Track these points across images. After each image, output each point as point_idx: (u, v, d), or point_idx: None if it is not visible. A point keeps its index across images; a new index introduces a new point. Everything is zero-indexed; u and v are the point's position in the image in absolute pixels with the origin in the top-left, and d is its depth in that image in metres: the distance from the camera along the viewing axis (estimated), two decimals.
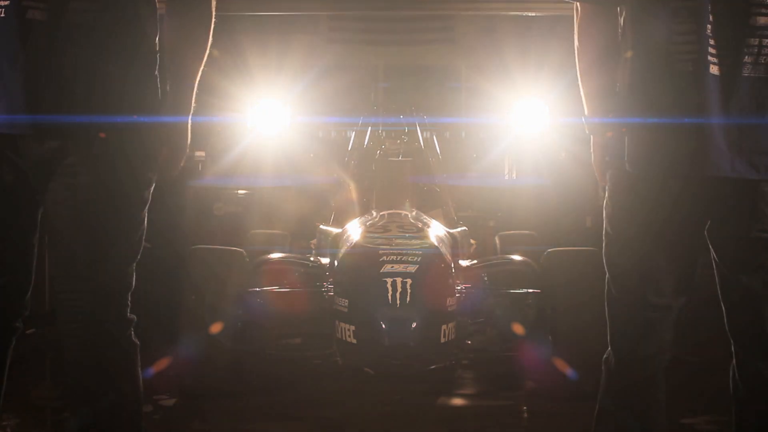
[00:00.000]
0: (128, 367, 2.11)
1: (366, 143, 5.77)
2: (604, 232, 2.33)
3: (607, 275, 2.34)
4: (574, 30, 2.36)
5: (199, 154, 6.57)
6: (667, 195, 2.18)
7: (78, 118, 1.99)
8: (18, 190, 2.04)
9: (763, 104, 2.08)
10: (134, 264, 2.14)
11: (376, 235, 4.03)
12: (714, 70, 2.07)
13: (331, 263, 4.11)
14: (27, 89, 1.95)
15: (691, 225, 2.22)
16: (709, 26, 2.07)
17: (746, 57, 2.06)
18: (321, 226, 5.03)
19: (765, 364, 2.18)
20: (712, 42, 2.07)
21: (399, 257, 3.66)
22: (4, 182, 2.02)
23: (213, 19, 2.21)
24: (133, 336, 2.13)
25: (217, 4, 2.22)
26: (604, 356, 2.35)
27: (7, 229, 2.05)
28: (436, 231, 4.23)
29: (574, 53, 2.37)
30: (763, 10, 2.06)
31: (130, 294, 2.12)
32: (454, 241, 4.33)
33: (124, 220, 2.10)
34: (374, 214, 4.50)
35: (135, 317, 2.13)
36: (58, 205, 2.05)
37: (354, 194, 5.06)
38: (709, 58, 2.07)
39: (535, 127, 6.18)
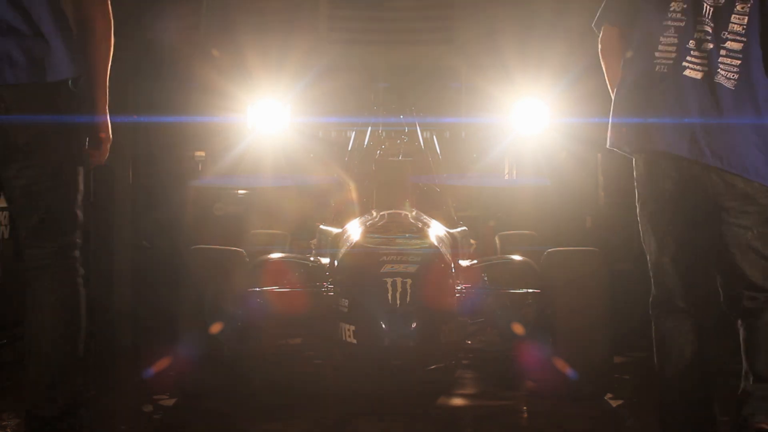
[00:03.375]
0: (76, 301, 2.67)
1: (366, 143, 5.77)
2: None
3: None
4: (598, 46, 2.90)
5: (199, 154, 6.55)
6: (675, 202, 2.66)
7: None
8: None
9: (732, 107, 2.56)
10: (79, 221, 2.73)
11: (376, 235, 4.03)
12: (691, 74, 2.61)
13: (331, 263, 4.11)
14: None
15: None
16: (692, 41, 2.62)
17: (720, 68, 2.58)
18: (321, 226, 5.03)
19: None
20: (694, 52, 2.62)
21: (399, 257, 3.66)
22: None
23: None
24: (81, 283, 2.69)
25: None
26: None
27: None
28: (436, 231, 4.23)
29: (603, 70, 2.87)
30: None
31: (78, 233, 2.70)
32: (454, 241, 4.33)
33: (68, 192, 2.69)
34: (374, 214, 4.49)
35: (79, 253, 2.71)
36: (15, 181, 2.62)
37: (354, 194, 5.06)
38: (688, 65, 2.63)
39: (535, 127, 6.17)
